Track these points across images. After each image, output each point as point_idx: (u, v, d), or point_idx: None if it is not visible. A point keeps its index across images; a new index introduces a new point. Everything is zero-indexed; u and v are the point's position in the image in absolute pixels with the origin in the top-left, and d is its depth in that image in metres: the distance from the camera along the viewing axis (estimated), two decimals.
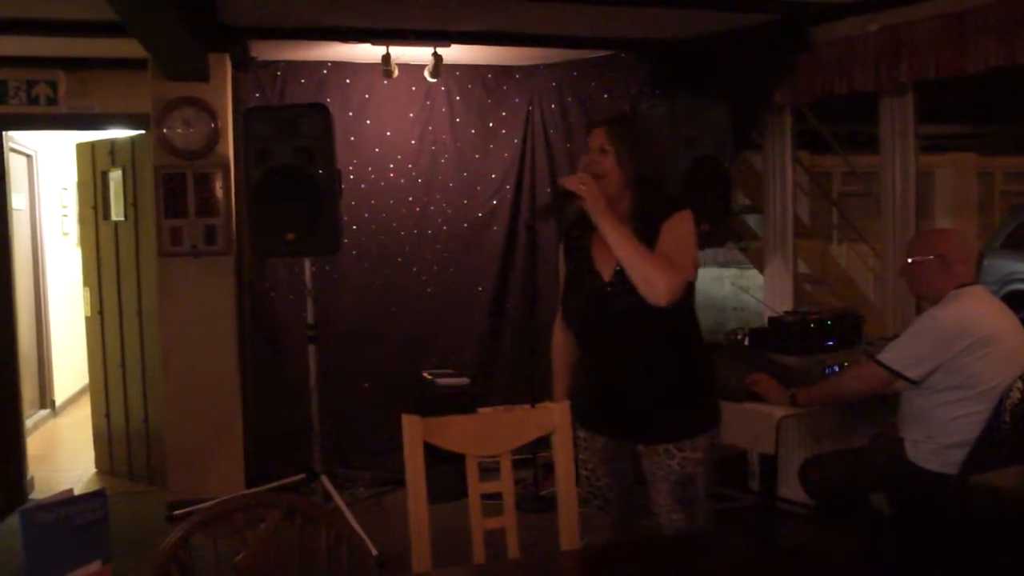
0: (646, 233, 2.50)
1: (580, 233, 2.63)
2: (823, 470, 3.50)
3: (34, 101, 5.09)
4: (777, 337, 4.04)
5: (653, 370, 2.56)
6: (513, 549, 2.26)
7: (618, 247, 2.46)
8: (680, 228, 2.51)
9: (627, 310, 2.51)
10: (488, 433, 2.32)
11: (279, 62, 5.24)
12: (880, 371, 3.29)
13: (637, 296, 2.46)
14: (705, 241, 4.00)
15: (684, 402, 2.60)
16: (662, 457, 2.55)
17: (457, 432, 2.29)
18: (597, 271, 2.56)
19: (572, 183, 2.50)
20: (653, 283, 2.42)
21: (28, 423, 5.97)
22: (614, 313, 2.54)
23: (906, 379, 3.25)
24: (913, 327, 3.33)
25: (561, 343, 2.75)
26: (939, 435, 3.21)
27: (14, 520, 4.63)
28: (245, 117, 4.53)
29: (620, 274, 2.51)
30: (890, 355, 3.29)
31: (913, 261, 3.35)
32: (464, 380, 5.20)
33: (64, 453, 6.38)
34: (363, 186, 5.42)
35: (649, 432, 2.57)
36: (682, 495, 2.54)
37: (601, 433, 2.62)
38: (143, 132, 5.15)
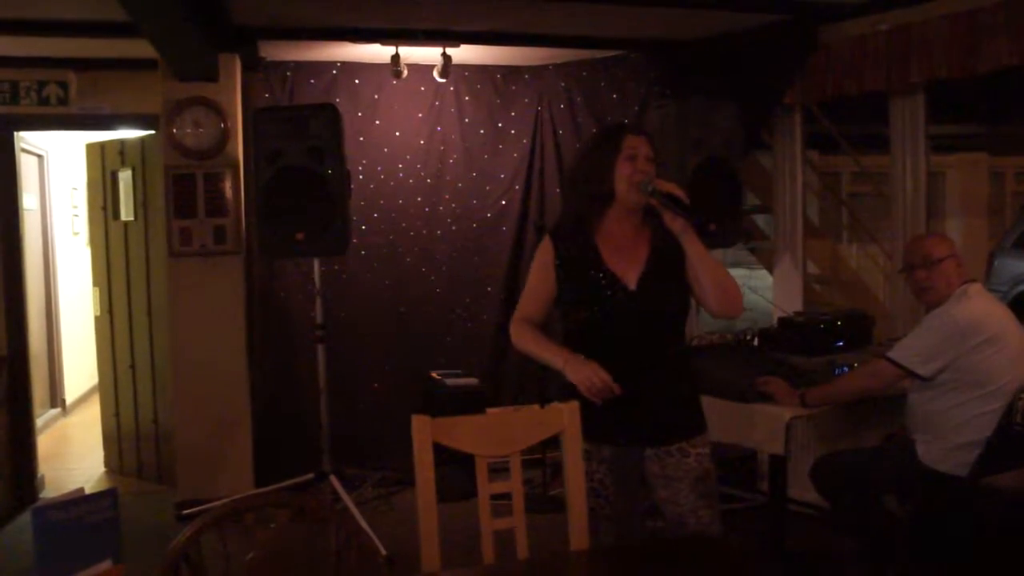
0: (669, 245, 2.53)
1: (577, 243, 2.58)
2: (834, 470, 3.49)
3: (45, 101, 5.11)
4: (787, 338, 4.04)
5: (668, 373, 2.58)
6: (522, 549, 2.26)
7: (708, 258, 2.50)
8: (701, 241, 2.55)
9: (652, 318, 2.53)
10: (497, 433, 2.32)
11: (289, 62, 5.25)
12: (890, 368, 3.29)
13: (661, 303, 2.54)
14: (714, 241, 3.99)
15: (692, 400, 2.65)
16: (676, 457, 2.54)
17: (466, 432, 2.29)
18: (619, 280, 2.53)
19: (677, 190, 2.47)
20: (736, 296, 2.52)
21: (38, 422, 5.99)
22: (639, 321, 2.52)
23: (917, 376, 3.24)
24: (924, 324, 3.33)
25: (525, 327, 2.63)
26: (950, 436, 3.20)
27: (25, 518, 4.67)
28: (255, 117, 4.53)
29: (646, 282, 2.52)
30: (901, 352, 3.28)
31: (938, 259, 3.32)
32: (473, 380, 5.20)
33: (74, 452, 6.40)
34: (372, 186, 5.42)
35: (662, 434, 2.56)
36: (704, 490, 2.54)
37: (607, 442, 2.57)
38: (153, 132, 5.17)
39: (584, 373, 2.41)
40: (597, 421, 2.50)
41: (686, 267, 2.54)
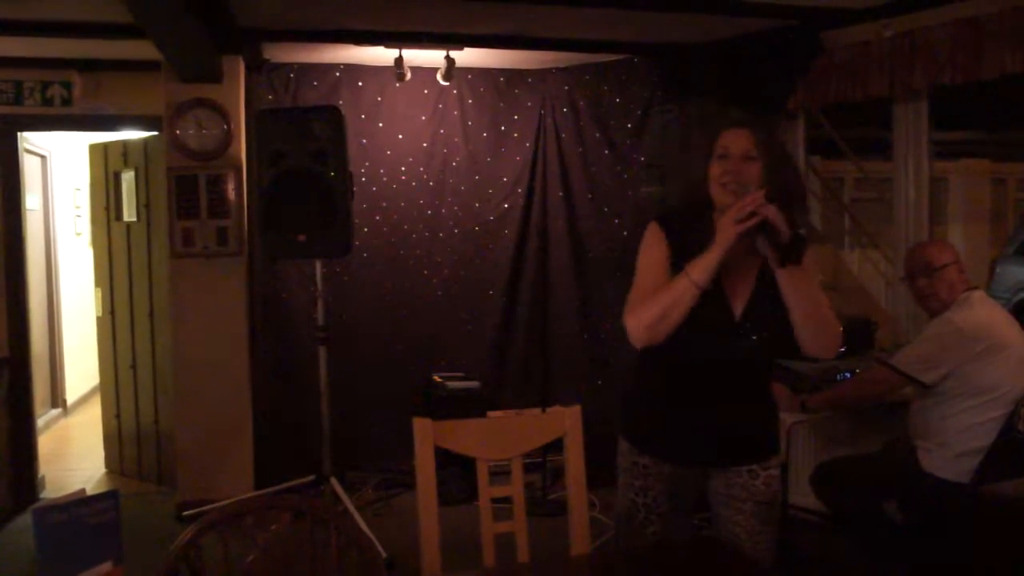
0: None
1: (694, 241, 2.20)
2: (835, 476, 3.49)
3: (48, 102, 5.11)
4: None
5: (752, 399, 2.38)
6: (523, 553, 2.26)
7: (803, 293, 2.18)
8: (815, 270, 2.25)
9: (751, 348, 2.29)
10: (498, 437, 2.32)
11: (292, 64, 5.26)
12: (892, 375, 3.29)
13: (763, 338, 2.28)
14: None
15: (771, 421, 2.43)
16: (745, 478, 2.34)
17: (467, 435, 2.29)
18: (727, 303, 2.25)
19: (771, 212, 2.04)
20: (832, 337, 2.24)
21: (40, 422, 5.99)
22: (736, 350, 2.27)
23: (919, 383, 3.24)
24: (928, 331, 3.33)
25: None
26: (952, 443, 3.20)
27: (26, 519, 4.67)
28: (258, 119, 4.54)
29: (751, 311, 2.26)
30: (903, 359, 3.28)
31: (939, 266, 3.32)
32: (474, 383, 5.20)
33: (75, 453, 6.40)
34: (374, 188, 5.43)
35: (734, 455, 2.35)
36: (767, 516, 2.35)
37: (672, 460, 2.37)
38: (156, 133, 5.17)
39: (731, 216, 2.07)
40: (664, 437, 2.37)
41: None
